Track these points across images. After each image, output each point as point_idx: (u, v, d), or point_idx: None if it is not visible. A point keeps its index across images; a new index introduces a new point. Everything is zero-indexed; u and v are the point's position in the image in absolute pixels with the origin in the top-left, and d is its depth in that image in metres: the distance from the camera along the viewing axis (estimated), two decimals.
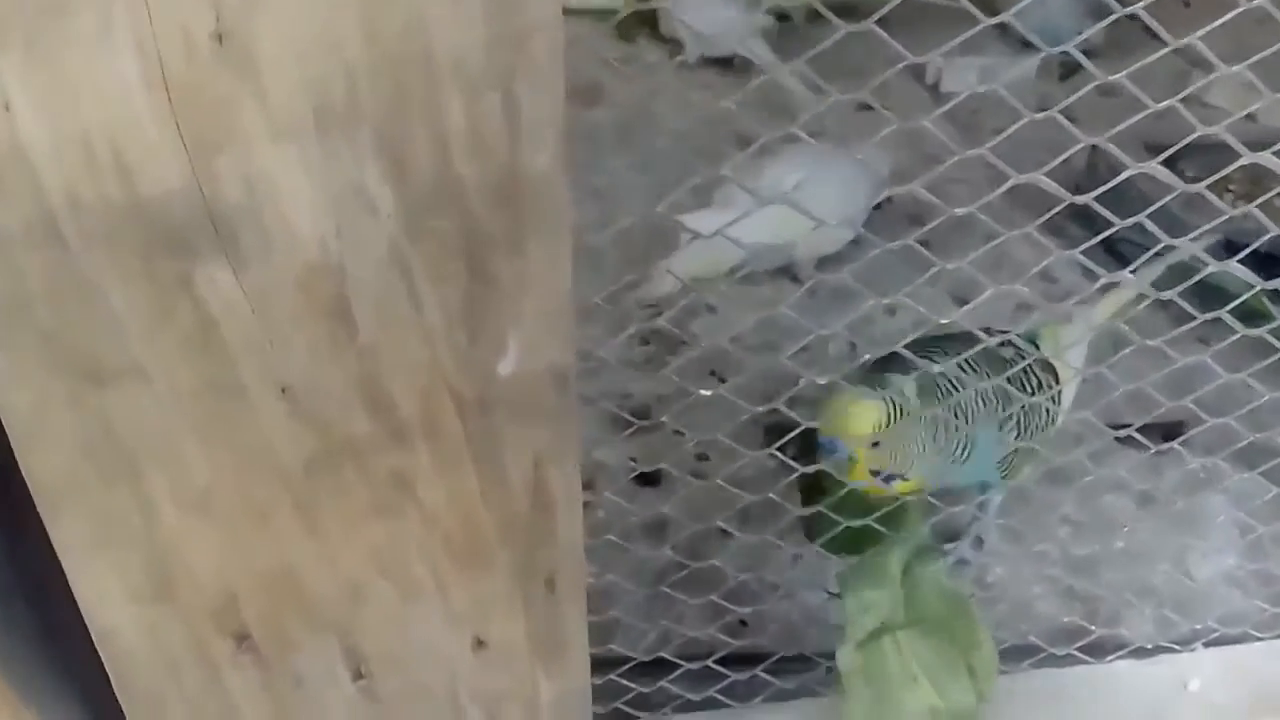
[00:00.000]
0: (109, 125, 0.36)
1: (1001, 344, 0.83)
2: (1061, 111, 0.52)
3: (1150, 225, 0.56)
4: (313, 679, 0.53)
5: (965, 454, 0.81)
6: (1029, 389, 0.83)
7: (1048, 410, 0.83)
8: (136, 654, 0.51)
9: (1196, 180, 0.55)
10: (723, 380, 1.09)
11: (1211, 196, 0.55)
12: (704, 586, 0.70)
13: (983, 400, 0.81)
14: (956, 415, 0.79)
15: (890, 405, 0.77)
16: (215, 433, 0.45)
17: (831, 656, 0.73)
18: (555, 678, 0.56)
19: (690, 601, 0.70)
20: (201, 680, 0.53)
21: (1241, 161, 0.53)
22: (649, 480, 0.96)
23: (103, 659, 0.52)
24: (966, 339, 0.81)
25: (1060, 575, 0.90)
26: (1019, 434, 0.83)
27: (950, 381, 0.79)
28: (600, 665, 0.69)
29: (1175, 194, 0.54)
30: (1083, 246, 0.59)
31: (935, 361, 0.76)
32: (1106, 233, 0.55)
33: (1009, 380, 0.82)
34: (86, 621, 0.50)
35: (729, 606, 0.69)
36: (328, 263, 0.41)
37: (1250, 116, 1.56)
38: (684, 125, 1.58)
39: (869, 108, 1.56)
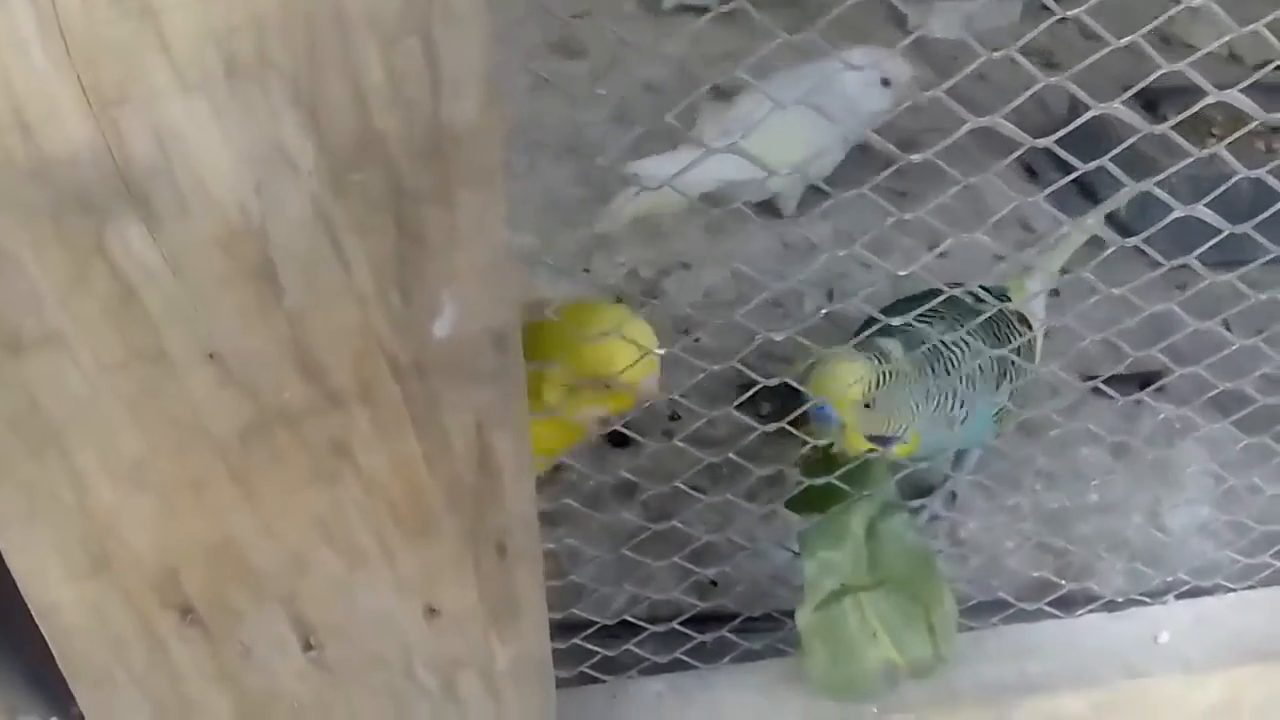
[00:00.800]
0: (4, 78, 0.34)
1: (979, 299, 0.82)
2: (1043, 56, 0.50)
3: (1114, 169, 0.54)
4: (261, 650, 0.52)
5: (964, 415, 0.80)
6: (1013, 343, 0.82)
7: (1024, 364, 0.82)
8: (79, 631, 0.50)
9: (1178, 124, 0.53)
10: (697, 340, 1.08)
11: (1180, 139, 0.53)
12: (671, 548, 0.69)
13: (979, 366, 0.80)
14: (949, 373, 0.78)
15: (879, 366, 0.76)
16: (143, 402, 0.43)
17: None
18: (511, 643, 0.55)
19: (656, 564, 0.69)
20: (147, 655, 0.51)
21: (1208, 100, 0.52)
22: (619, 442, 0.95)
23: (45, 637, 0.50)
24: (947, 298, 0.81)
25: (1032, 530, 0.89)
26: (1011, 391, 0.83)
27: (940, 342, 0.78)
28: (564, 629, 0.68)
29: (1140, 134, 0.52)
30: (1050, 190, 0.57)
31: (919, 322, 0.75)
32: (1075, 175, 0.53)
33: (996, 335, 0.82)
34: (25, 599, 0.49)
35: (694, 569, 0.68)
36: (249, 223, 0.39)
37: (1234, 58, 1.55)
38: (660, 74, 1.56)
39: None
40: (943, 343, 0.78)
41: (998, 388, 0.81)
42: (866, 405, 0.76)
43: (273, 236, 0.39)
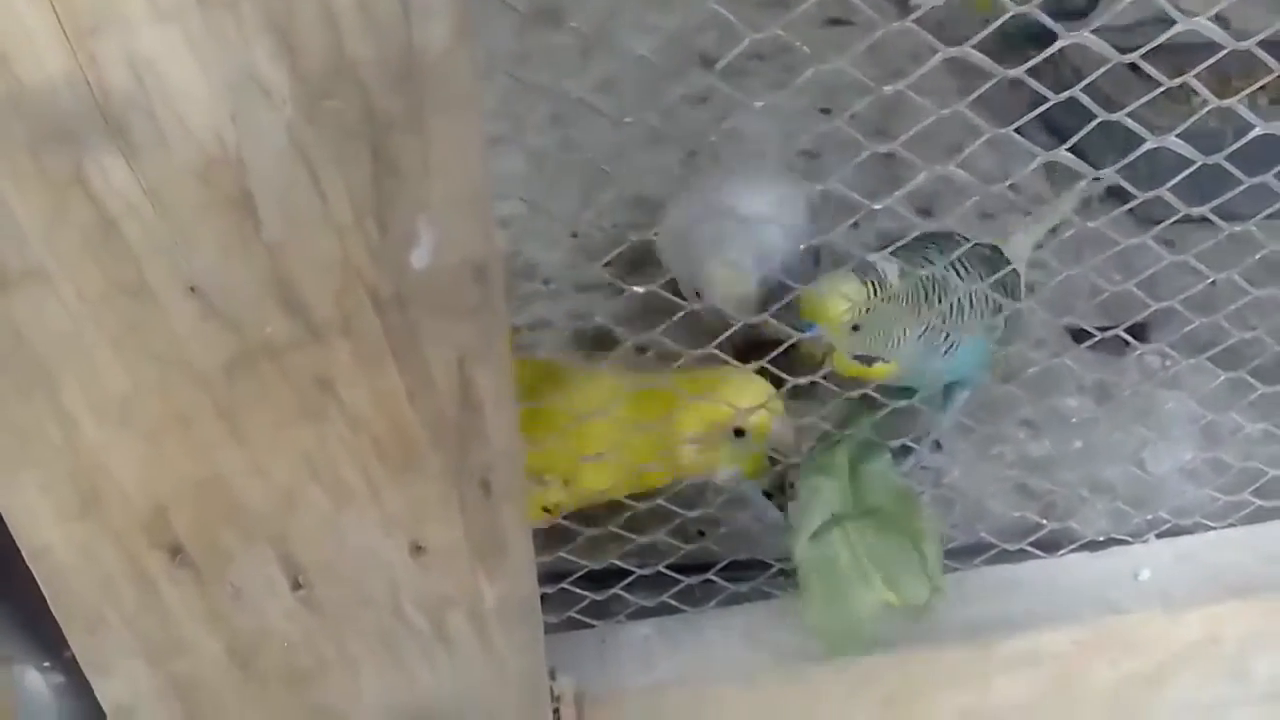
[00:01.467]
0: None
1: (977, 244, 0.83)
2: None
3: (1087, 100, 0.55)
4: (251, 590, 0.53)
5: (950, 349, 0.82)
6: (1008, 291, 0.84)
7: (1011, 302, 0.84)
8: (70, 572, 0.51)
9: (1165, 86, 0.53)
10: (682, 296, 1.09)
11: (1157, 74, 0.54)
12: (655, 491, 0.70)
13: (970, 298, 0.82)
14: (940, 302, 0.80)
15: (871, 287, 0.77)
16: (127, 337, 0.44)
17: (782, 559, 0.73)
18: (498, 581, 0.56)
19: (642, 507, 0.69)
20: (138, 595, 0.52)
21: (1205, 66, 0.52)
22: None
23: (37, 578, 0.51)
24: (947, 238, 0.85)
25: (1016, 475, 0.90)
26: (999, 329, 0.84)
27: (932, 271, 0.79)
28: (552, 576, 0.69)
29: (1111, 63, 0.52)
30: (1015, 121, 0.57)
31: (915, 251, 0.77)
32: (1044, 108, 0.54)
33: (987, 273, 0.83)
34: (17, 540, 0.50)
35: (680, 512, 0.69)
36: (226, 153, 0.39)
37: (1221, 19, 1.56)
38: (646, 46, 1.56)
39: (837, 22, 1.55)
40: (934, 273, 0.79)
41: (986, 322, 0.83)
42: (855, 328, 0.77)
43: (250, 166, 0.40)
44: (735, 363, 0.72)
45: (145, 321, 0.43)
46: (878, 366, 0.80)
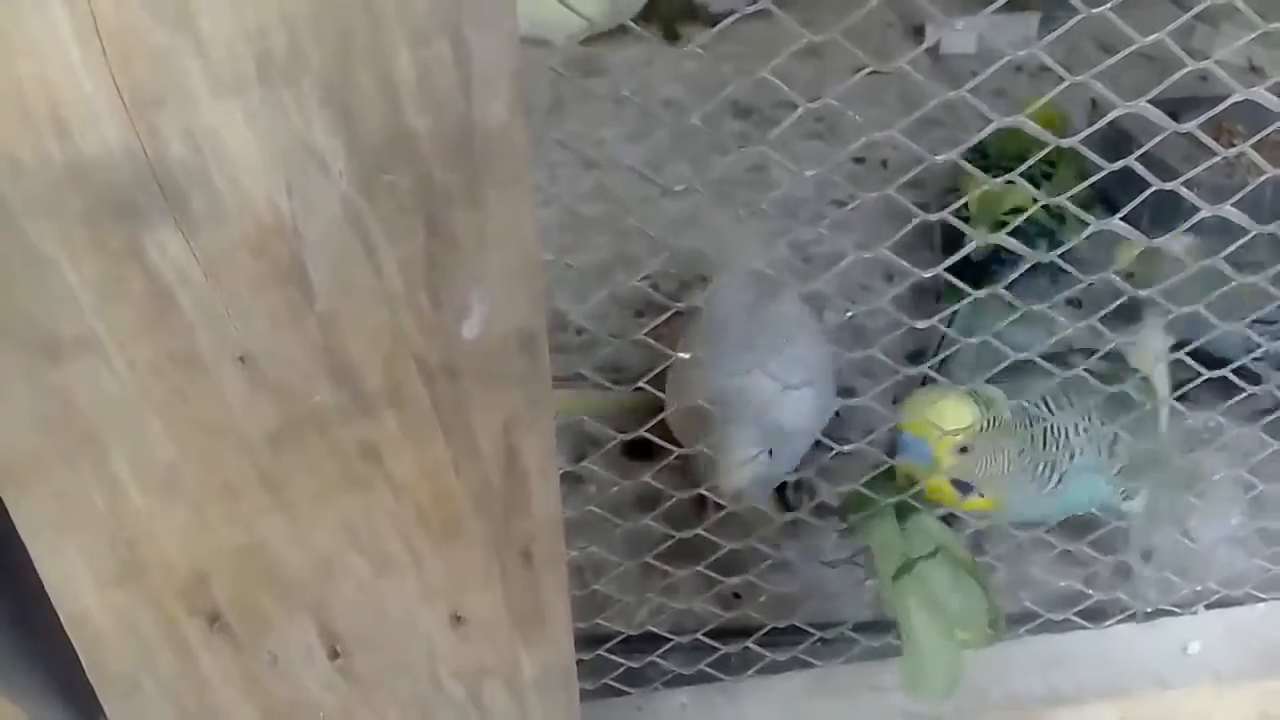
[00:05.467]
0: (43, 79, 0.35)
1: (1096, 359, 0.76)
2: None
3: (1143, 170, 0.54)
4: (288, 658, 0.52)
5: (1056, 480, 0.77)
6: (1129, 412, 0.75)
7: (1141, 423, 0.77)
8: (108, 638, 0.50)
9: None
10: None
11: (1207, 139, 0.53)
12: (694, 558, 0.69)
13: (1083, 430, 0.75)
14: (1048, 441, 0.75)
15: (984, 411, 0.72)
16: (176, 406, 0.43)
17: (823, 627, 0.72)
18: (537, 652, 0.55)
19: (680, 574, 0.68)
20: (175, 662, 0.51)
21: (1234, 98, 0.52)
22: (641, 454, 0.95)
23: (74, 644, 0.50)
24: (1057, 360, 0.73)
25: (1057, 540, 0.89)
26: (1121, 468, 0.77)
27: (1045, 402, 0.74)
28: (588, 641, 0.68)
29: (1166, 133, 0.52)
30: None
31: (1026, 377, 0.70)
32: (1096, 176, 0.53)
33: (1113, 405, 0.75)
34: (55, 606, 0.49)
35: (719, 578, 0.68)
36: (281, 224, 0.39)
37: (1255, 69, 1.55)
38: (678, 93, 1.57)
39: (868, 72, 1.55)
40: (1045, 400, 0.74)
41: (1105, 457, 0.76)
42: (964, 450, 0.72)
43: (304, 238, 0.40)
44: None
45: (194, 391, 0.43)
46: (974, 499, 0.74)
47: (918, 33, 1.71)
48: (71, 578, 0.48)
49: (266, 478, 0.46)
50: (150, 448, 0.44)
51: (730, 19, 0.52)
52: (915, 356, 1.06)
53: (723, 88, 0.53)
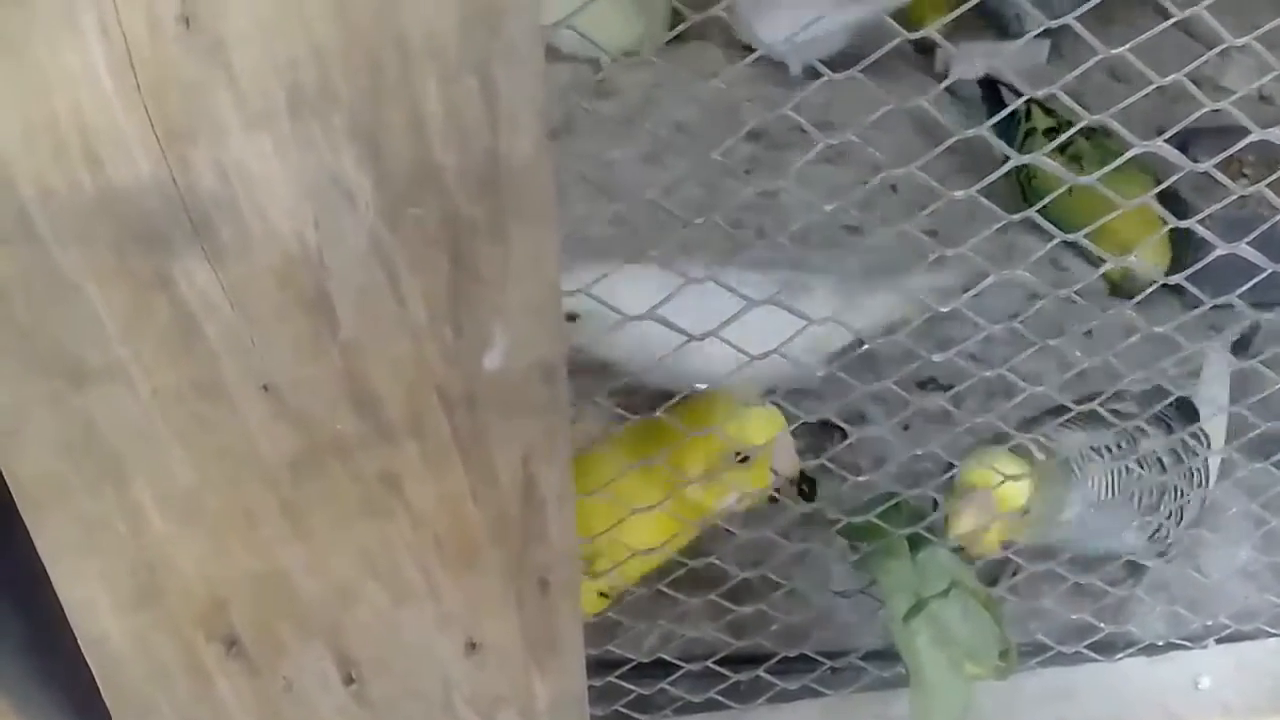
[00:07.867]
0: (77, 112, 0.35)
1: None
2: (1074, 99, 0.50)
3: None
4: (303, 684, 0.52)
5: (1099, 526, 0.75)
6: (1184, 462, 0.74)
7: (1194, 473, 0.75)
8: (125, 661, 0.50)
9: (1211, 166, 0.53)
10: None
11: (1221, 176, 0.54)
12: (705, 585, 0.69)
13: (1127, 471, 0.74)
14: (1091, 486, 0.73)
15: (1035, 473, 0.70)
16: (198, 433, 0.44)
17: (834, 656, 0.72)
18: (551, 680, 0.55)
19: (691, 601, 0.68)
20: (191, 687, 0.52)
21: (1250, 138, 0.52)
22: None
23: (91, 666, 0.51)
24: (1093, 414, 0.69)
25: (1068, 572, 0.88)
26: (1168, 517, 0.76)
27: (1091, 449, 0.72)
28: (599, 667, 0.68)
29: (1182, 172, 0.52)
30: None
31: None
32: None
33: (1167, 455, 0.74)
34: (74, 629, 0.49)
35: (730, 606, 0.68)
36: (307, 255, 0.40)
37: (1265, 99, 1.55)
38: (690, 115, 1.57)
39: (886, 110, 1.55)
40: (1094, 449, 0.72)
41: (1148, 509, 0.74)
42: (1025, 511, 0.70)
43: (330, 269, 0.40)
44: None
45: (217, 418, 0.43)
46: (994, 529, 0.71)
47: (924, 51, 1.71)
48: (91, 601, 0.48)
49: (287, 505, 0.46)
50: (172, 474, 0.45)
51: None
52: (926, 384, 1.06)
53: (734, 110, 0.53)
